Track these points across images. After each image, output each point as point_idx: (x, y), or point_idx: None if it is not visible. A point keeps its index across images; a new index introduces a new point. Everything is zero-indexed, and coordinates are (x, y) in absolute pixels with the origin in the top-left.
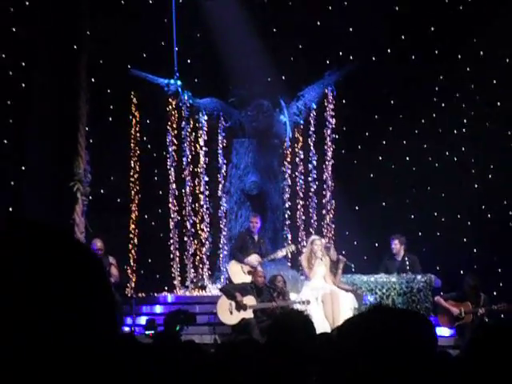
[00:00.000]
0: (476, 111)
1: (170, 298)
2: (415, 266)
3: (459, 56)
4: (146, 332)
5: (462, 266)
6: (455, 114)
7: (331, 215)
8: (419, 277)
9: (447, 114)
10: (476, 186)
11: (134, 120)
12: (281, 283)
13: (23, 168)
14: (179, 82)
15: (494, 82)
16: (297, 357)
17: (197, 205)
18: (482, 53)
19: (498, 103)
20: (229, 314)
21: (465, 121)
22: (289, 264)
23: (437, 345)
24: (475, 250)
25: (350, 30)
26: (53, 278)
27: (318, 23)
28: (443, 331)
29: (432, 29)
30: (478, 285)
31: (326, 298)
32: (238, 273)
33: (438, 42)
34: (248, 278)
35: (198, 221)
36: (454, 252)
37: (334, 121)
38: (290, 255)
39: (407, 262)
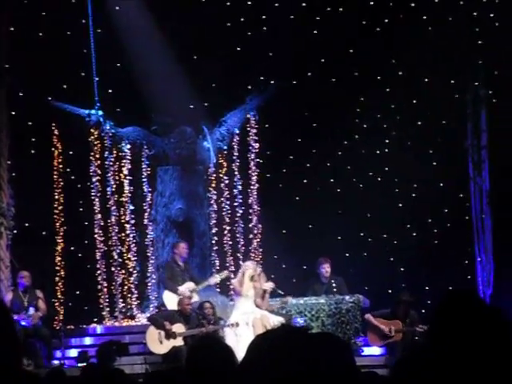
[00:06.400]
0: (397, 131)
1: (99, 329)
2: (342, 287)
3: (379, 77)
4: (79, 364)
5: (390, 285)
6: (377, 135)
7: (258, 239)
8: (347, 297)
9: (369, 134)
10: (400, 205)
11: (56, 152)
12: (208, 309)
13: None
14: (100, 112)
15: (414, 101)
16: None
17: (123, 234)
18: (401, 73)
19: (419, 122)
20: (158, 344)
21: (387, 141)
22: (218, 290)
23: (352, 367)
24: (402, 269)
25: (270, 54)
26: None
27: (238, 48)
28: (373, 350)
29: (351, 51)
30: (406, 302)
31: (256, 323)
32: (174, 301)
33: (357, 63)
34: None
35: (124, 250)
36: (382, 272)
37: (257, 145)
38: (219, 281)
39: (333, 284)
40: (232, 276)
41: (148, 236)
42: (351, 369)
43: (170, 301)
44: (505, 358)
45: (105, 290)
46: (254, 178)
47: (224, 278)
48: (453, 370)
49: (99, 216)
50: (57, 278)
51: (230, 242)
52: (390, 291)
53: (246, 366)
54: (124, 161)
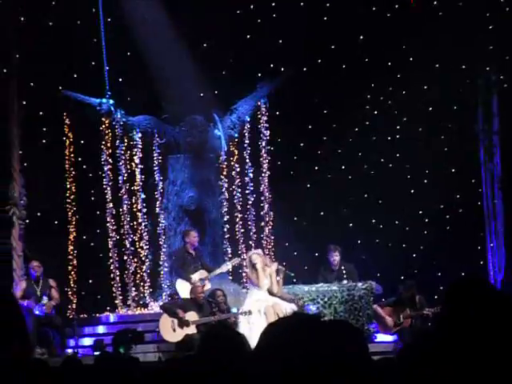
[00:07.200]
0: (408, 117)
1: (112, 317)
2: (352, 274)
3: (389, 63)
4: (95, 353)
5: (402, 271)
6: (388, 121)
7: (270, 227)
8: (360, 284)
9: (380, 120)
10: (412, 191)
11: (67, 141)
12: (220, 297)
13: None
14: (111, 101)
15: (425, 87)
16: (227, 373)
17: (135, 223)
18: (411, 59)
19: (430, 108)
20: (172, 332)
21: (398, 127)
22: (230, 277)
23: (364, 353)
24: (414, 255)
25: (280, 41)
26: None
27: (248, 36)
28: (386, 337)
29: (361, 37)
30: (411, 288)
31: (268, 311)
32: (187, 289)
33: (368, 49)
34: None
35: (136, 239)
36: (394, 258)
37: (268, 132)
38: (231, 269)
39: (344, 271)
40: (243, 263)
41: (160, 224)
42: (364, 356)
43: (184, 289)
44: None
45: (117, 278)
46: (265, 165)
47: (236, 265)
48: (463, 355)
49: (111, 205)
50: (69, 267)
51: (242, 230)
52: (402, 277)
53: (259, 354)
54: (135, 149)
